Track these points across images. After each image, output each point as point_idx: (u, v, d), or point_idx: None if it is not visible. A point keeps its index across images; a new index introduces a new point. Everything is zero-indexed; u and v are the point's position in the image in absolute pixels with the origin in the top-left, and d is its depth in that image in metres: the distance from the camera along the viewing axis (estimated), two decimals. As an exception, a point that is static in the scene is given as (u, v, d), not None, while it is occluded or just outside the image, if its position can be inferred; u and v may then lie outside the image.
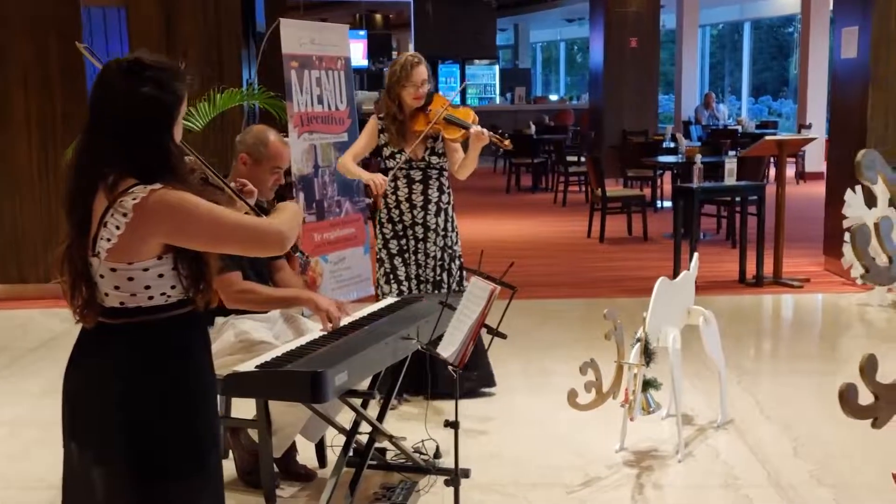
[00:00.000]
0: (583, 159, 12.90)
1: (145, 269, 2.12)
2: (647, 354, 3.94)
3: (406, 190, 4.74)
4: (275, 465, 3.87)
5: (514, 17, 25.16)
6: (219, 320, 3.69)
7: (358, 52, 21.17)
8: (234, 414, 4.00)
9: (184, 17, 7.10)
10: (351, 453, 3.67)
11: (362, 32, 21.57)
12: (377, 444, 3.80)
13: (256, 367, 3.08)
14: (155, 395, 2.15)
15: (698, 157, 7.93)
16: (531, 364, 5.50)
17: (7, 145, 7.11)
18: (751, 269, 7.55)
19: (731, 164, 7.52)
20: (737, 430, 4.42)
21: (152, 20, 7.10)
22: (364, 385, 3.68)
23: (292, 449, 3.92)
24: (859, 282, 6.91)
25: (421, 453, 3.99)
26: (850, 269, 6.90)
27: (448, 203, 4.80)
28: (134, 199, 2.07)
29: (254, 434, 3.74)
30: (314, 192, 6.63)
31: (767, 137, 8.05)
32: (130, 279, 2.12)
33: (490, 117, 17.95)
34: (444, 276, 4.76)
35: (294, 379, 2.98)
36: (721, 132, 14.16)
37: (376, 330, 3.50)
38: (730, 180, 7.53)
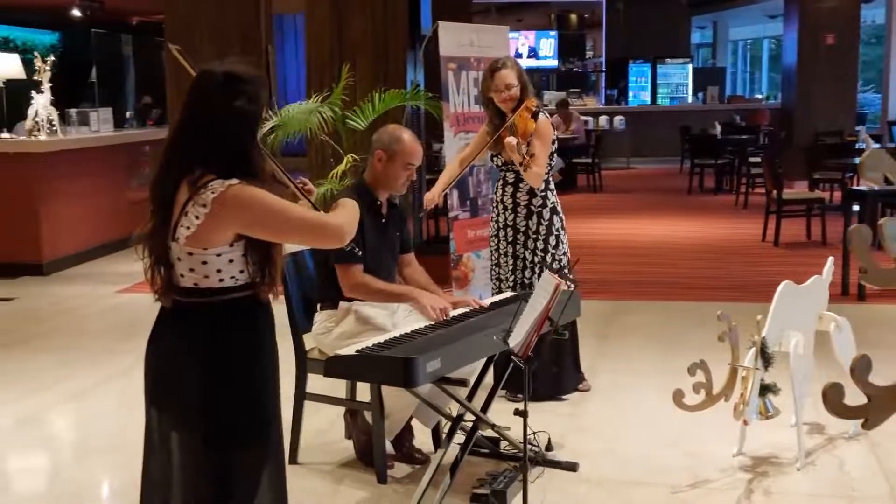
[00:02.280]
0: (769, 161, 12.47)
1: (218, 255, 2.35)
2: (765, 358, 3.87)
3: (500, 192, 4.84)
4: (392, 448, 4.09)
5: (713, 15, 24.47)
6: (343, 305, 3.92)
7: (549, 53, 21.28)
8: (356, 398, 4.23)
9: (354, 22, 7.44)
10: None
11: (553, 33, 21.61)
12: (490, 434, 3.95)
13: (357, 350, 3.29)
14: (222, 367, 2.37)
15: (872, 159, 7.55)
16: (671, 365, 5.44)
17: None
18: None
19: (908, 167, 7.12)
20: (869, 442, 4.24)
21: (325, 25, 7.49)
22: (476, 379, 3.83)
23: (408, 433, 4.10)
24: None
25: (532, 445, 4.08)
26: None
27: (542, 206, 4.73)
28: (213, 192, 2.30)
29: (370, 417, 3.95)
30: (468, 189, 6.82)
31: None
32: (204, 262, 2.35)
33: (679, 117, 17.61)
34: (534, 279, 4.70)
35: (388, 364, 3.16)
36: (926, 133, 13.32)
37: (480, 322, 3.63)
38: (908, 183, 7.13)
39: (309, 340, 4.05)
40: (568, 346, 4.89)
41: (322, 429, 4.43)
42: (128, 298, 7.45)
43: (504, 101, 4.64)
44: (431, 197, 4.79)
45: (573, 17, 23.53)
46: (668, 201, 13.17)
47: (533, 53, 21.16)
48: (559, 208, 4.81)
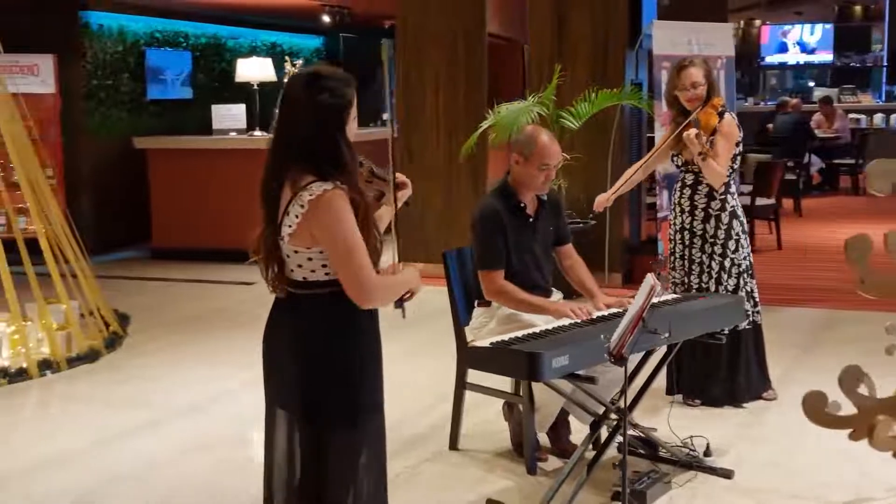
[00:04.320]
0: None
1: (321, 252, 2.52)
2: (943, 376, 3.60)
3: (678, 194, 4.74)
4: (549, 442, 4.17)
5: None
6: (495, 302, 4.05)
7: (825, 47, 20.15)
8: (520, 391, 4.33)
9: (574, 20, 7.49)
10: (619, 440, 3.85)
11: (828, 26, 20.42)
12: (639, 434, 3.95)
13: (490, 343, 3.42)
14: (319, 351, 2.56)
15: None
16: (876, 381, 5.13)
17: (421, 141, 8.05)
18: None
19: None
20: None
21: (546, 23, 7.60)
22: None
23: (564, 428, 4.17)
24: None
25: (690, 449, 4.03)
26: None
27: (721, 210, 4.59)
28: (310, 194, 2.47)
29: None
30: (679, 190, 6.71)
31: None
32: (309, 259, 2.54)
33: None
34: (712, 284, 4.59)
35: (514, 357, 3.26)
36: None
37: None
38: None
39: (470, 333, 4.20)
40: (751, 352, 4.75)
41: (488, 419, 4.58)
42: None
43: (690, 99, 4.56)
44: (603, 200, 4.79)
45: (857, 8, 22.12)
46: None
47: (805, 48, 20.10)
48: (740, 212, 4.67)
